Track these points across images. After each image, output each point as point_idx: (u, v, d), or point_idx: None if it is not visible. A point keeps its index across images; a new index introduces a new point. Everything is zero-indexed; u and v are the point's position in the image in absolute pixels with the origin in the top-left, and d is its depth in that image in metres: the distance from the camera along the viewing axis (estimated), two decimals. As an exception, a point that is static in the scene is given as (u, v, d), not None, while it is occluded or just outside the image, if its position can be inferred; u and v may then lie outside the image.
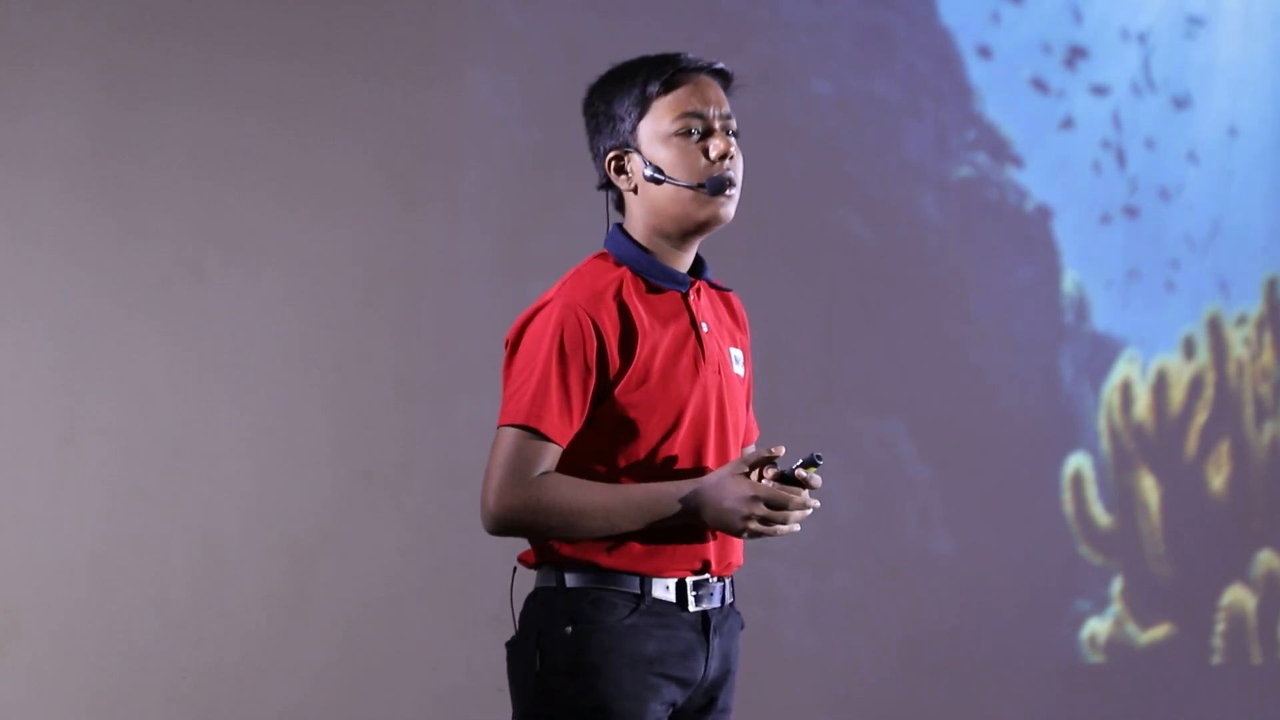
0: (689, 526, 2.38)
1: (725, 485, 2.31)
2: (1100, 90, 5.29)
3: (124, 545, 4.13)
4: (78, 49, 4.13)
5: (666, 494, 2.34)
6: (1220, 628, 5.36)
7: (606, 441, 2.38)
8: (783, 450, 2.33)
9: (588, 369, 2.35)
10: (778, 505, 2.30)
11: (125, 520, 4.14)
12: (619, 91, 2.45)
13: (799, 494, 2.30)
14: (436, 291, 4.45)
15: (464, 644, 4.31)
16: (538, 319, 2.39)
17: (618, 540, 2.37)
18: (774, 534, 2.32)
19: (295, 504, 4.27)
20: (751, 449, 2.59)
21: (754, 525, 2.31)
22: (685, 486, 2.34)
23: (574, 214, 4.44)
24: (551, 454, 2.35)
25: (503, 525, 2.35)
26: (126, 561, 4.13)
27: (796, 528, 2.32)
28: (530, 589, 2.44)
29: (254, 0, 4.29)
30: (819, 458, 2.31)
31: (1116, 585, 5.25)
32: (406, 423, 4.38)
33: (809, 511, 2.31)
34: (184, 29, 4.22)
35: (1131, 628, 5.27)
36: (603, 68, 2.52)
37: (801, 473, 2.31)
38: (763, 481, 2.32)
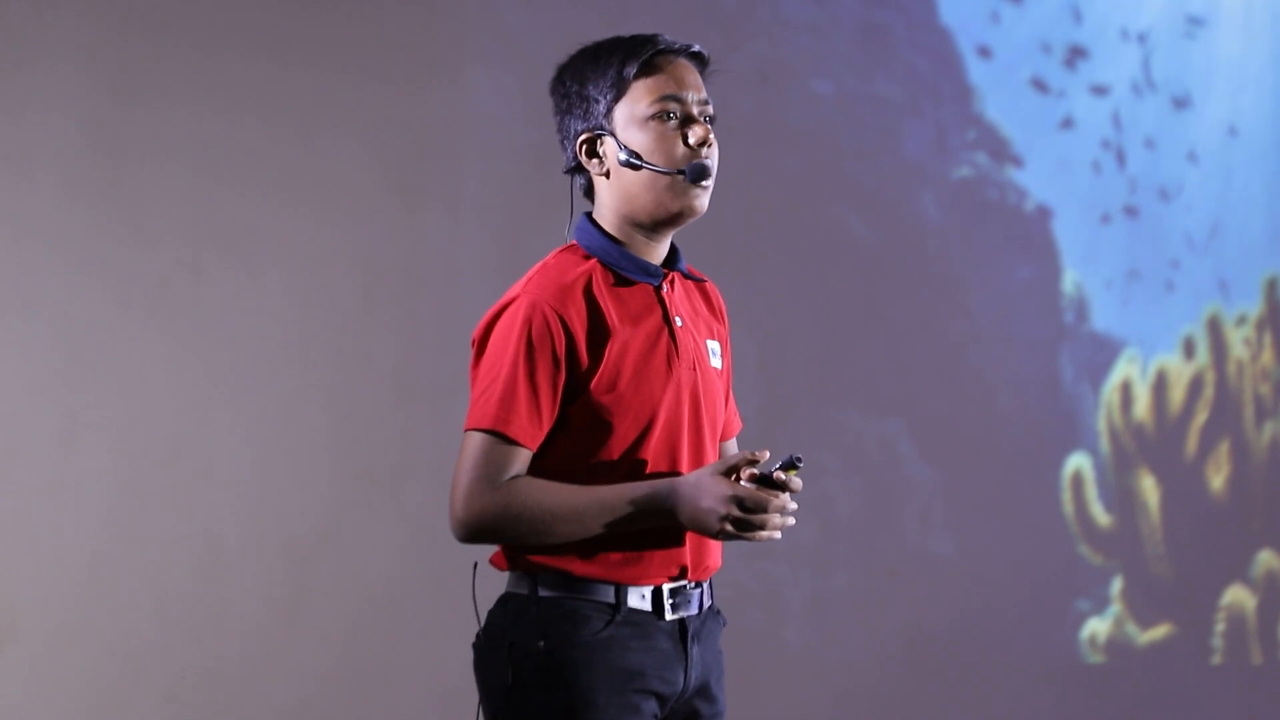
0: (665, 531, 2.30)
1: (703, 485, 2.21)
2: (1100, 90, 5.29)
3: (123, 545, 4.13)
4: (78, 49, 4.13)
5: (642, 494, 2.24)
6: (1220, 628, 5.36)
7: (578, 443, 2.29)
8: (766, 454, 2.24)
9: (556, 368, 2.26)
10: (756, 508, 2.19)
11: (125, 520, 4.14)
12: (593, 72, 2.39)
13: (778, 497, 2.20)
14: (436, 291, 4.44)
15: (464, 644, 4.30)
16: (504, 317, 2.30)
17: (592, 547, 2.28)
18: (751, 538, 2.21)
19: (295, 504, 4.27)
20: (732, 444, 2.52)
21: (729, 527, 2.20)
22: (661, 486, 2.24)
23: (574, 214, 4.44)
24: (522, 458, 2.26)
25: (473, 532, 2.27)
26: (126, 561, 4.13)
27: (777, 534, 2.22)
28: (499, 589, 2.38)
29: (254, 0, 4.28)
30: (798, 460, 2.23)
31: (1116, 585, 5.25)
32: (406, 423, 4.37)
33: (790, 520, 2.22)
34: (184, 29, 4.22)
35: (1131, 628, 5.26)
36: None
37: (780, 475, 2.22)
38: (741, 483, 2.23)
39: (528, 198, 4.52)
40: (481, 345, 2.32)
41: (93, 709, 4.10)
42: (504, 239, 4.49)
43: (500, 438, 2.25)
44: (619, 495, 2.24)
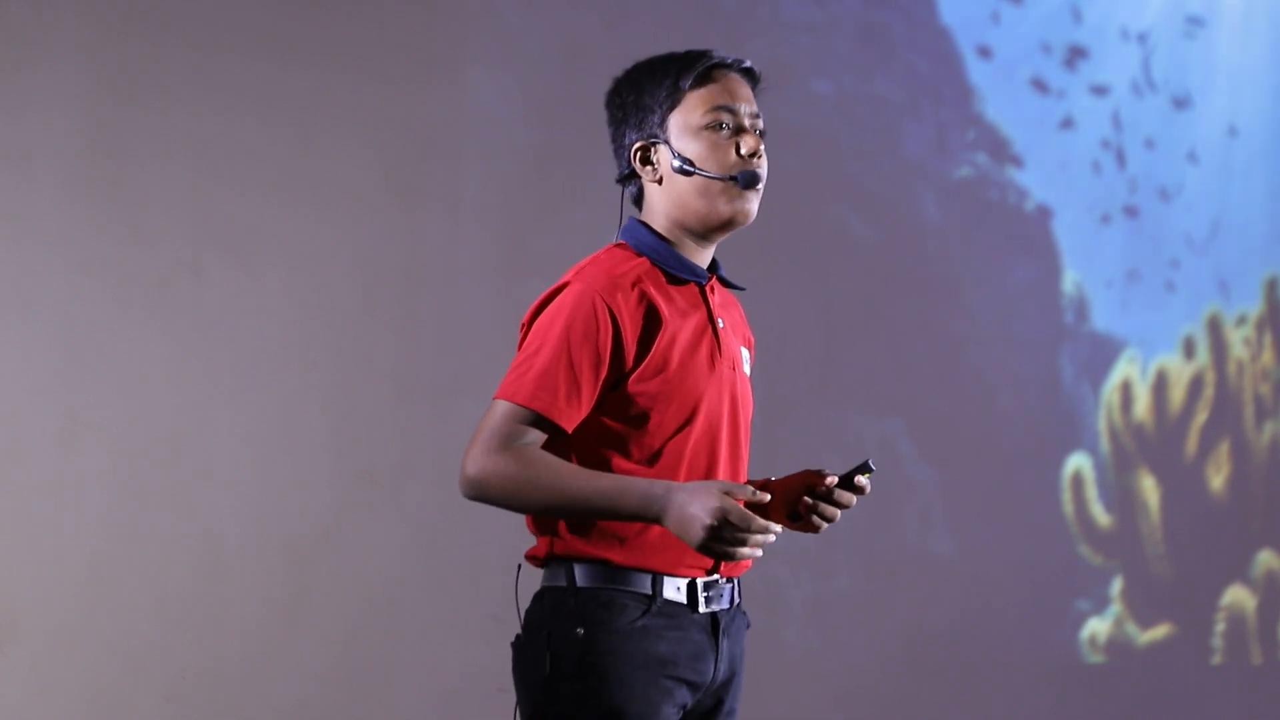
0: None
1: (698, 492, 2.24)
2: (1100, 90, 5.29)
3: (123, 545, 4.13)
4: (78, 49, 4.14)
5: (639, 489, 2.27)
6: (1220, 628, 5.36)
7: (621, 430, 2.35)
8: (767, 497, 2.27)
9: (599, 355, 2.32)
10: (740, 525, 2.21)
11: (125, 520, 4.14)
12: (650, 83, 2.44)
13: (762, 521, 2.23)
14: (436, 291, 4.45)
15: (464, 644, 4.31)
16: (554, 302, 2.36)
17: (630, 534, 2.35)
18: (731, 555, 2.22)
19: (295, 504, 4.27)
20: None
21: (712, 542, 2.22)
22: (658, 486, 2.27)
23: (574, 214, 4.44)
24: (542, 434, 2.32)
25: (476, 489, 2.30)
26: (126, 561, 4.13)
27: (758, 552, 2.25)
28: (535, 587, 2.42)
29: (254, 0, 4.29)
30: (872, 466, 2.33)
31: (1116, 585, 5.25)
32: (406, 423, 4.37)
33: (771, 538, 2.24)
34: (184, 29, 4.23)
35: (1131, 628, 5.27)
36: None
37: (861, 479, 2.32)
38: (824, 484, 2.30)
39: (528, 198, 4.52)
40: (528, 328, 2.39)
41: (93, 709, 4.10)
42: (504, 239, 4.50)
43: (529, 413, 2.30)
44: (614, 484, 2.29)
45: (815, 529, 2.40)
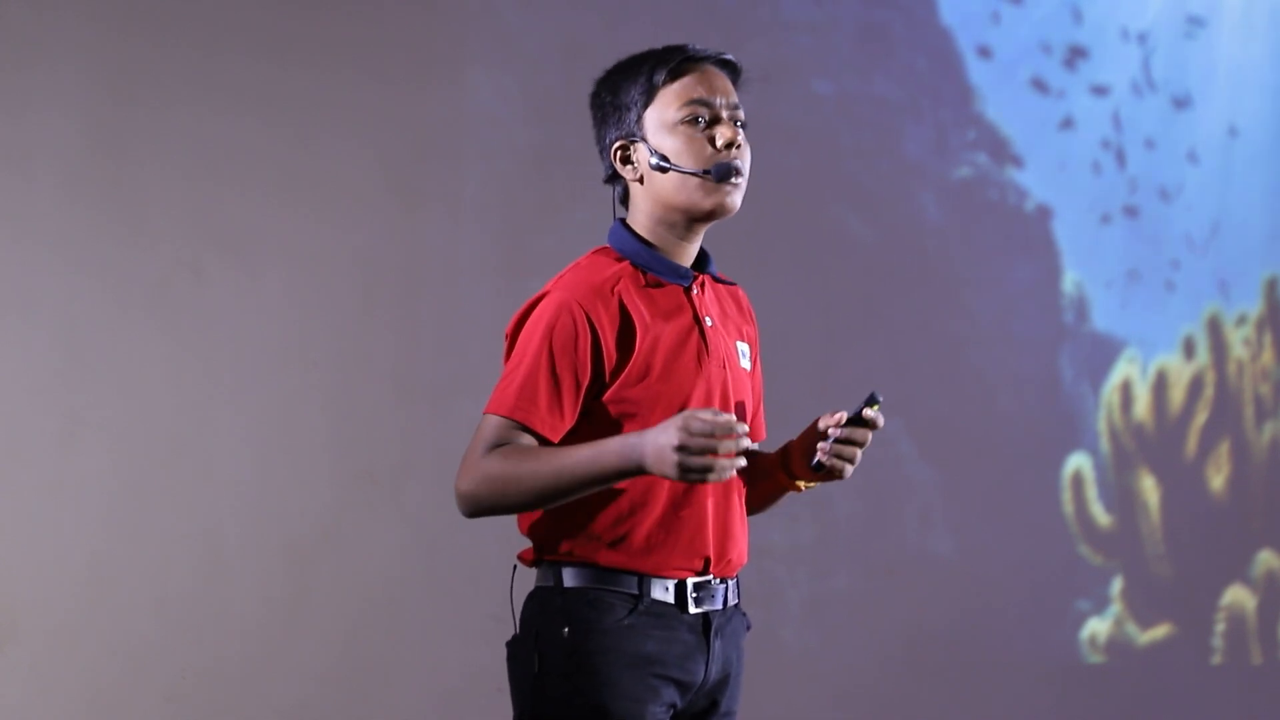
0: (686, 519, 2.37)
1: (664, 425, 2.21)
2: (1100, 90, 5.29)
3: (123, 545, 4.13)
4: (78, 49, 4.14)
5: (613, 443, 2.26)
6: (1220, 628, 5.36)
7: (608, 435, 2.32)
8: (747, 436, 2.25)
9: (579, 364, 2.33)
10: (702, 431, 2.17)
11: (125, 520, 4.14)
12: (625, 81, 2.43)
13: (725, 418, 2.18)
14: (436, 291, 4.45)
15: (464, 644, 4.31)
16: (534, 313, 2.37)
17: (617, 537, 2.36)
18: (711, 468, 2.18)
19: (295, 504, 4.27)
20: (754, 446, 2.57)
21: (685, 461, 2.17)
22: (631, 435, 2.26)
23: (574, 214, 4.44)
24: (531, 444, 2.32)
25: (470, 502, 2.31)
26: (126, 561, 4.13)
27: (740, 461, 2.19)
28: (530, 587, 2.43)
29: (254, 0, 4.29)
30: (878, 397, 2.37)
31: (1116, 585, 5.25)
32: (406, 423, 4.37)
33: (745, 441, 2.20)
34: (184, 29, 4.23)
35: (1131, 628, 5.26)
36: (602, 68, 2.52)
37: (868, 412, 2.37)
38: (833, 422, 2.35)
39: (528, 198, 4.52)
40: (512, 339, 2.39)
41: (93, 709, 4.10)
42: (504, 239, 4.50)
43: (513, 424, 2.31)
44: (594, 448, 2.28)
45: (839, 473, 2.45)
